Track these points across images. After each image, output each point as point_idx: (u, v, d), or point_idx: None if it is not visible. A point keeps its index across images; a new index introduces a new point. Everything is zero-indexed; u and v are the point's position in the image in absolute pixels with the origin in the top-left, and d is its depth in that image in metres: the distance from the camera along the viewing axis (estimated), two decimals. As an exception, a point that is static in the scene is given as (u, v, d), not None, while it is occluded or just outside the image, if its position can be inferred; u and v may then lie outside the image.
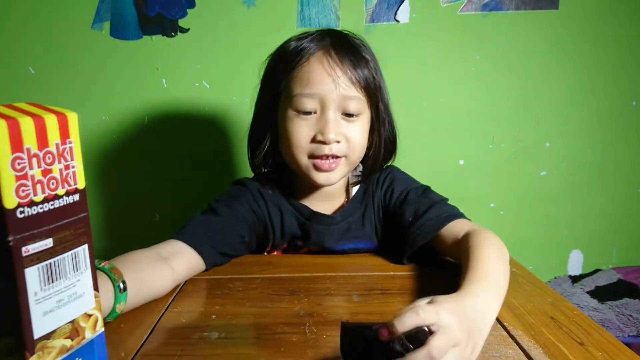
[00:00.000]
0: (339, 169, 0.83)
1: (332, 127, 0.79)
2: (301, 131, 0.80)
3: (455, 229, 0.76)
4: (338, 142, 0.80)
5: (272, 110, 0.87)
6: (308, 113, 0.80)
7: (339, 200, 0.92)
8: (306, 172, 0.83)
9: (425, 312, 0.45)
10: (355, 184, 0.93)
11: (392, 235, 0.89)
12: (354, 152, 0.83)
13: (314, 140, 0.80)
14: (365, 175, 0.92)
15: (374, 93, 0.84)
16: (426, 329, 0.45)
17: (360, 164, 0.92)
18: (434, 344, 0.44)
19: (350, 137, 0.81)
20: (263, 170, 0.92)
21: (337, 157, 0.82)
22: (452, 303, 0.50)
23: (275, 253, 0.92)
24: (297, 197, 0.91)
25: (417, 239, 0.79)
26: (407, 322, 0.44)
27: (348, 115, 0.81)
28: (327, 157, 0.81)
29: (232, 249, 0.83)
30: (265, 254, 0.92)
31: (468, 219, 0.80)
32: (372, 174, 0.92)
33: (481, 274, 0.60)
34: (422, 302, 0.49)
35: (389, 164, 0.95)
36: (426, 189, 0.89)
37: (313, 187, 0.89)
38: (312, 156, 0.81)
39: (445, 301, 0.49)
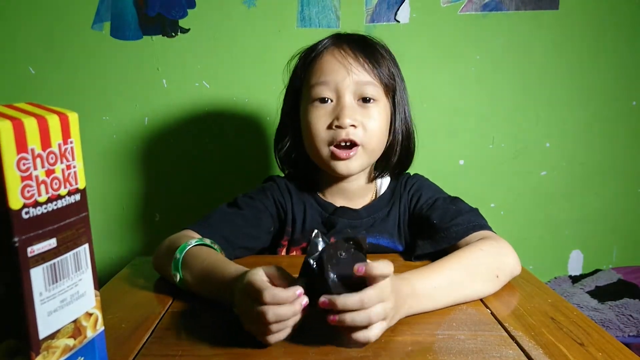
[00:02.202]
0: (357, 157, 0.85)
1: (348, 112, 0.82)
2: (319, 119, 0.84)
3: (473, 239, 0.77)
4: (354, 127, 0.83)
5: (294, 108, 0.91)
6: (324, 101, 0.84)
7: (364, 198, 0.95)
8: (326, 162, 0.86)
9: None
10: (378, 177, 0.94)
11: (415, 238, 0.90)
12: (370, 139, 0.85)
13: (331, 127, 0.84)
14: (384, 169, 0.93)
15: (390, 81, 0.87)
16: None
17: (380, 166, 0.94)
18: (367, 293, 0.50)
19: (367, 124, 0.84)
20: (286, 168, 0.97)
21: (354, 143, 0.84)
22: (394, 279, 0.57)
23: (294, 252, 0.92)
24: (323, 195, 0.94)
25: (442, 241, 0.80)
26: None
27: (365, 100, 0.84)
28: (344, 143, 0.84)
29: (251, 242, 0.87)
30: (284, 252, 0.93)
31: (493, 232, 0.81)
32: (390, 167, 0.92)
33: (433, 272, 0.66)
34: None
35: (409, 165, 0.96)
36: (455, 198, 0.90)
37: (338, 184, 0.92)
38: (331, 144, 0.84)
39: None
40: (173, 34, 1.29)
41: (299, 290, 0.51)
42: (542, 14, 1.29)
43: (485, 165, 1.36)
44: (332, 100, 0.84)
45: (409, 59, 1.30)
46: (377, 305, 0.51)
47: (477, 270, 0.68)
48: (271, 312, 0.50)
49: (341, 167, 0.86)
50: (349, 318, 0.50)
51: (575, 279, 1.36)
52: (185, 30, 1.29)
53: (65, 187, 0.40)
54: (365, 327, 0.51)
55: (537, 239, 1.40)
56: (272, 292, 0.50)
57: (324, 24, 1.28)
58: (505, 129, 1.35)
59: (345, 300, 0.50)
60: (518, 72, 1.32)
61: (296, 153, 0.94)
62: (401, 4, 1.28)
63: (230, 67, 1.30)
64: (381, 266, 0.51)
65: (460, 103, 1.33)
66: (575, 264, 1.41)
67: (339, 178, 0.90)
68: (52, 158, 0.39)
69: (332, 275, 0.51)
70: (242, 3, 1.28)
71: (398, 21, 1.29)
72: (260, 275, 0.54)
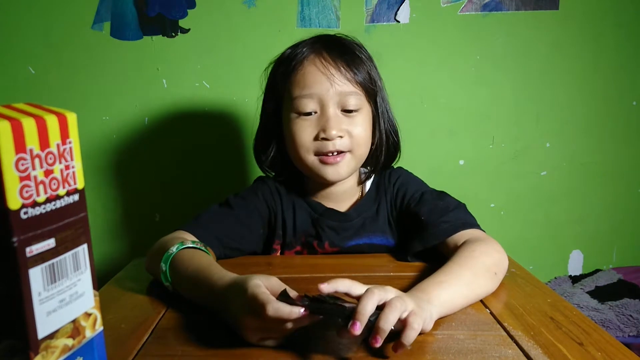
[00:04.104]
0: (345, 162, 0.85)
1: (333, 124, 0.82)
2: (304, 131, 0.84)
3: (461, 237, 0.77)
4: (341, 137, 0.83)
5: (276, 116, 0.90)
6: (309, 114, 0.84)
7: (352, 199, 0.94)
8: (314, 170, 0.86)
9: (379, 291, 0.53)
10: (366, 179, 0.94)
11: (406, 233, 0.90)
12: (358, 146, 0.85)
13: (317, 138, 0.83)
14: (373, 169, 0.93)
15: (371, 87, 0.86)
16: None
17: (368, 167, 0.94)
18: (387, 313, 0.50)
19: (353, 132, 0.84)
20: (270, 173, 0.96)
21: (342, 152, 0.84)
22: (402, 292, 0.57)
23: None
24: (310, 196, 0.93)
25: (431, 238, 0.80)
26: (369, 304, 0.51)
27: (348, 111, 0.84)
28: (332, 153, 0.84)
29: (242, 243, 0.86)
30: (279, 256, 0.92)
31: (482, 230, 0.81)
32: (379, 166, 0.93)
33: (443, 277, 0.64)
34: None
35: (396, 160, 0.96)
36: (441, 192, 0.90)
37: (325, 187, 0.91)
38: (317, 154, 0.84)
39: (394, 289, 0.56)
40: (173, 34, 1.29)
41: (302, 310, 0.50)
42: (542, 14, 1.29)
43: (485, 165, 1.36)
44: (316, 112, 0.84)
45: (409, 59, 1.31)
46: (414, 316, 0.52)
47: (479, 269, 0.68)
48: (276, 325, 0.51)
49: (330, 172, 0.85)
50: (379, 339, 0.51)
51: (575, 279, 1.36)
52: (185, 30, 1.29)
53: (64, 187, 0.40)
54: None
55: (537, 239, 1.40)
56: (275, 306, 0.50)
57: (324, 24, 1.28)
58: (505, 129, 1.35)
59: (386, 321, 0.50)
60: (518, 72, 1.32)
61: (281, 160, 0.93)
62: (401, 4, 1.28)
63: (230, 67, 1.30)
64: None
65: (460, 103, 1.33)
66: (575, 264, 1.41)
67: (327, 183, 0.90)
68: (50, 158, 0.39)
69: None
70: (242, 3, 1.28)
71: (398, 21, 1.29)
72: (262, 288, 0.53)
